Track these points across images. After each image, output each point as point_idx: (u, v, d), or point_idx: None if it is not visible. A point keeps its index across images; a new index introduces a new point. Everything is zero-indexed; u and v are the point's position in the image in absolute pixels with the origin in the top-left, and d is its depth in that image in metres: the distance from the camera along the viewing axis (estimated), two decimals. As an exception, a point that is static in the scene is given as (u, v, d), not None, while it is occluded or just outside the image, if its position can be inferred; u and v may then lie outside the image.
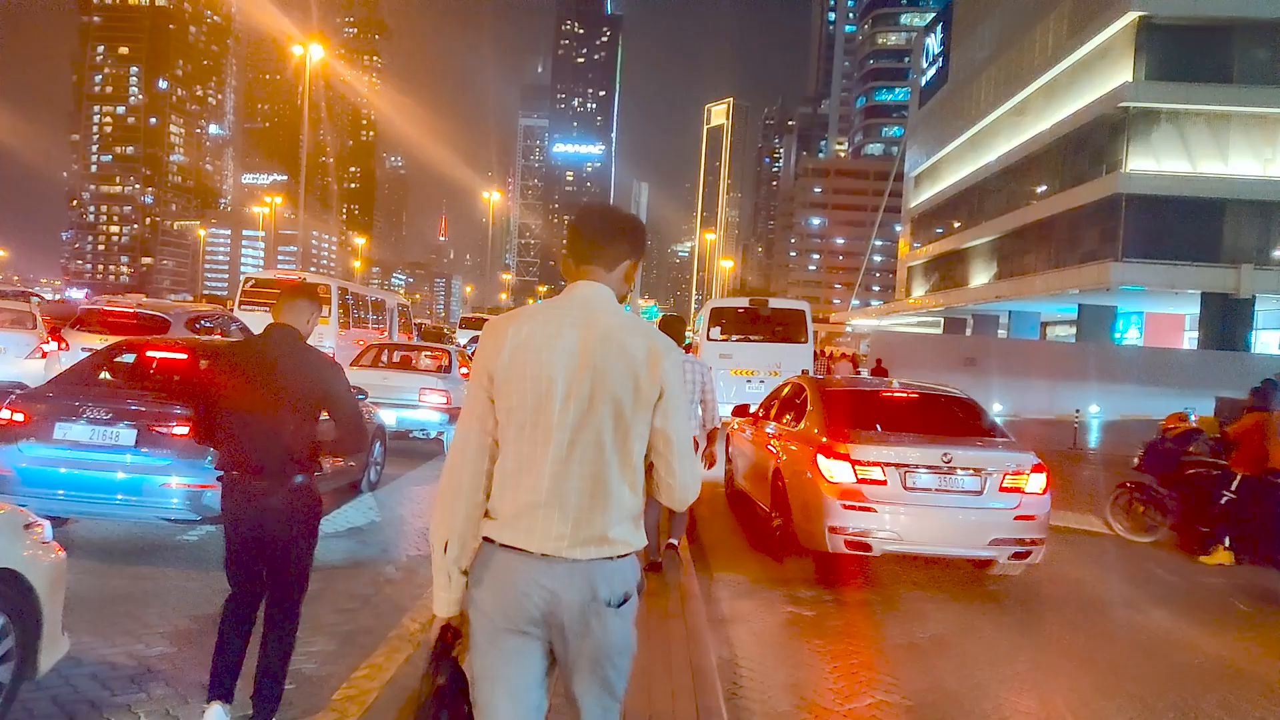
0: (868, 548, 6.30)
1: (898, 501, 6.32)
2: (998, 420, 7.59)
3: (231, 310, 17.77)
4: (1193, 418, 9.77)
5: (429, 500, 8.87)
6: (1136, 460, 9.49)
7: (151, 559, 6.05)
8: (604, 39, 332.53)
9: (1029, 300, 42.99)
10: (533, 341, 2.08)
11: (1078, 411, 21.01)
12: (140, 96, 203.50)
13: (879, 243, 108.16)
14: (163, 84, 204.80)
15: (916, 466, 6.37)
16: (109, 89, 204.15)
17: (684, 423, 2.18)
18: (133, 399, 5.82)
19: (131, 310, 12.35)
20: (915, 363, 25.83)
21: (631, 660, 2.15)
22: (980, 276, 50.71)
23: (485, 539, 2.12)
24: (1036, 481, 6.54)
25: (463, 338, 32.96)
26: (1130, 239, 34.73)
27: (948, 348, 31.99)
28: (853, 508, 6.28)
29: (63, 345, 11.20)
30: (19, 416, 5.62)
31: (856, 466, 6.36)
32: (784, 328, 17.22)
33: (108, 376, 6.47)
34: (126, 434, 5.54)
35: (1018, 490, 6.47)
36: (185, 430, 5.59)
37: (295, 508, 3.49)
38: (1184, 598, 7.44)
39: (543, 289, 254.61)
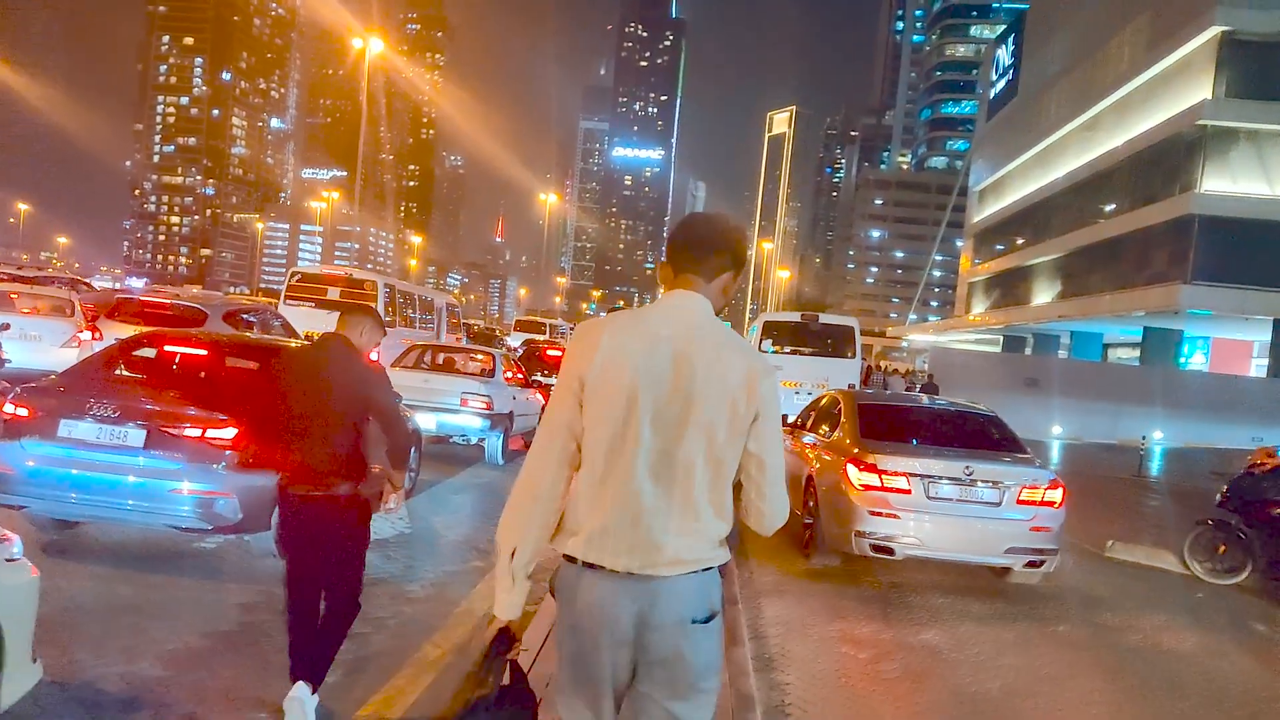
0: (891, 551, 6.83)
1: (921, 510, 6.81)
2: (1020, 438, 7.92)
3: (277, 305, 17.73)
4: (1280, 454, 9.04)
5: (466, 510, 8.55)
6: (1220, 496, 8.84)
7: (165, 567, 5.79)
8: (667, 43, 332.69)
9: (1092, 321, 41.68)
10: (626, 352, 2.02)
11: (1144, 438, 20.11)
12: (204, 88, 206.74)
13: (939, 258, 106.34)
14: (226, 76, 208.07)
15: (940, 478, 6.88)
16: (173, 79, 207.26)
17: (778, 447, 2.12)
18: (145, 396, 5.57)
19: (168, 301, 12.23)
20: (975, 381, 25.05)
21: (719, 677, 2.11)
22: (1043, 295, 49.36)
23: (565, 557, 2.09)
24: (1052, 496, 7.02)
25: (515, 340, 32.81)
26: (1200, 261, 33.42)
27: (1009, 367, 31.01)
28: (878, 514, 6.80)
29: (97, 335, 11.09)
30: (23, 411, 5.32)
31: (884, 476, 6.87)
32: (834, 342, 17.68)
33: (124, 372, 6.21)
34: (135, 434, 5.26)
35: (1034, 503, 6.95)
36: (198, 432, 5.33)
37: (343, 512, 3.63)
38: (1275, 648, 6.86)
39: (597, 293, 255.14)
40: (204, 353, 6.35)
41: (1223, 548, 8.48)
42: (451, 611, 5.42)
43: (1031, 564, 6.98)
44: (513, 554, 2.10)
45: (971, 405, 8.75)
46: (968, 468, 6.92)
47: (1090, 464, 20.62)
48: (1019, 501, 6.94)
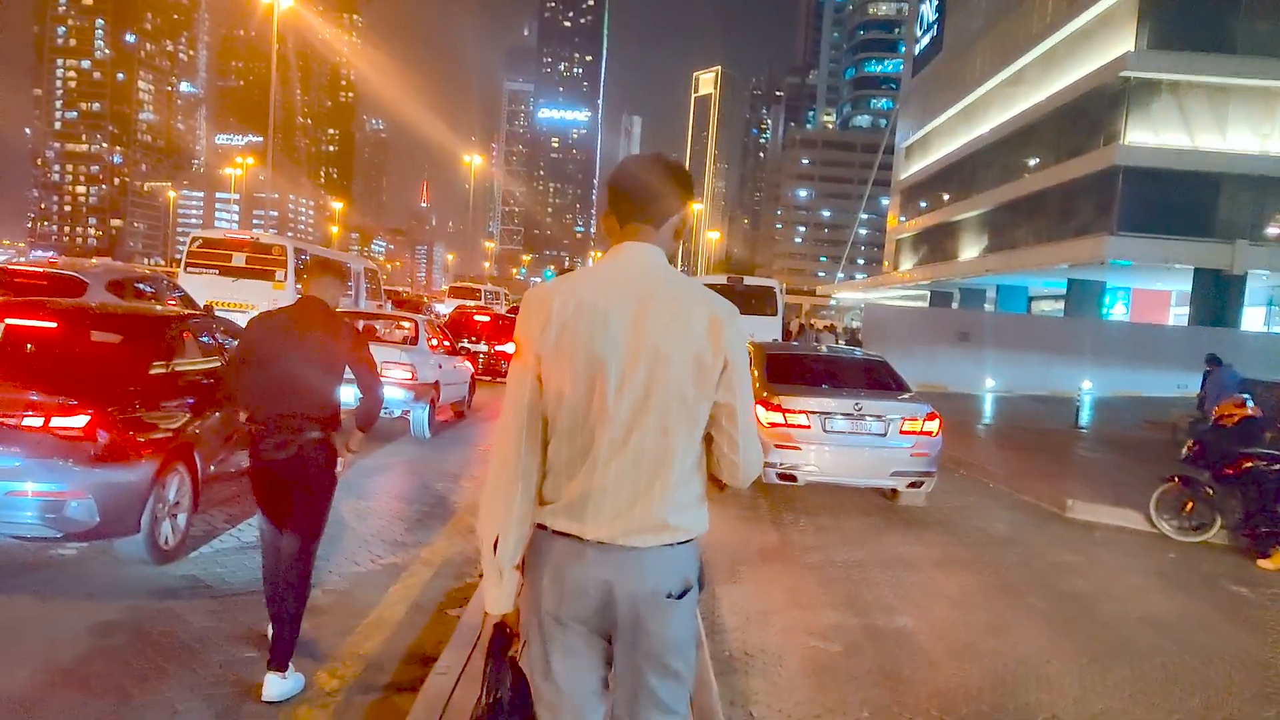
0: (794, 479, 7.95)
1: (818, 442, 7.92)
2: (904, 379, 9.16)
3: (175, 273, 16.44)
4: (1250, 404, 8.72)
5: (381, 495, 7.70)
6: (1186, 450, 8.52)
7: (15, 581, 4.85)
8: (590, 2, 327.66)
9: (1017, 274, 42.00)
10: (581, 317, 1.91)
11: (1082, 387, 20.21)
12: (106, 50, 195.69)
13: (865, 216, 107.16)
14: (130, 38, 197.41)
15: (834, 413, 8.02)
16: (73, 41, 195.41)
17: (748, 394, 2.02)
18: (-21, 381, 4.62)
19: (41, 270, 10.96)
20: (907, 336, 24.84)
21: (696, 651, 2.02)
22: (970, 250, 49.71)
23: (538, 525, 1.99)
24: (929, 426, 8.17)
25: (446, 307, 31.64)
26: (1125, 213, 33.71)
27: (941, 321, 30.81)
28: (783, 446, 7.85)
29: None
30: None
31: (786, 414, 7.91)
32: (757, 301, 19.57)
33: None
34: (-43, 428, 4.34)
35: (914, 433, 8.11)
36: (40, 421, 4.42)
37: (313, 457, 3.75)
38: (1253, 608, 6.49)
39: (527, 257, 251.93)
40: (53, 325, 5.39)
41: (1189, 504, 8.14)
42: (357, 624, 4.63)
43: (913, 484, 8.25)
44: (495, 544, 1.97)
45: (866, 352, 10.85)
46: (858, 404, 8.07)
47: (1027, 417, 20.59)
48: (901, 432, 8.08)
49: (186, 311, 6.66)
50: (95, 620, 4.31)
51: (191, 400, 5.50)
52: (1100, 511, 8.94)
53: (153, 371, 5.35)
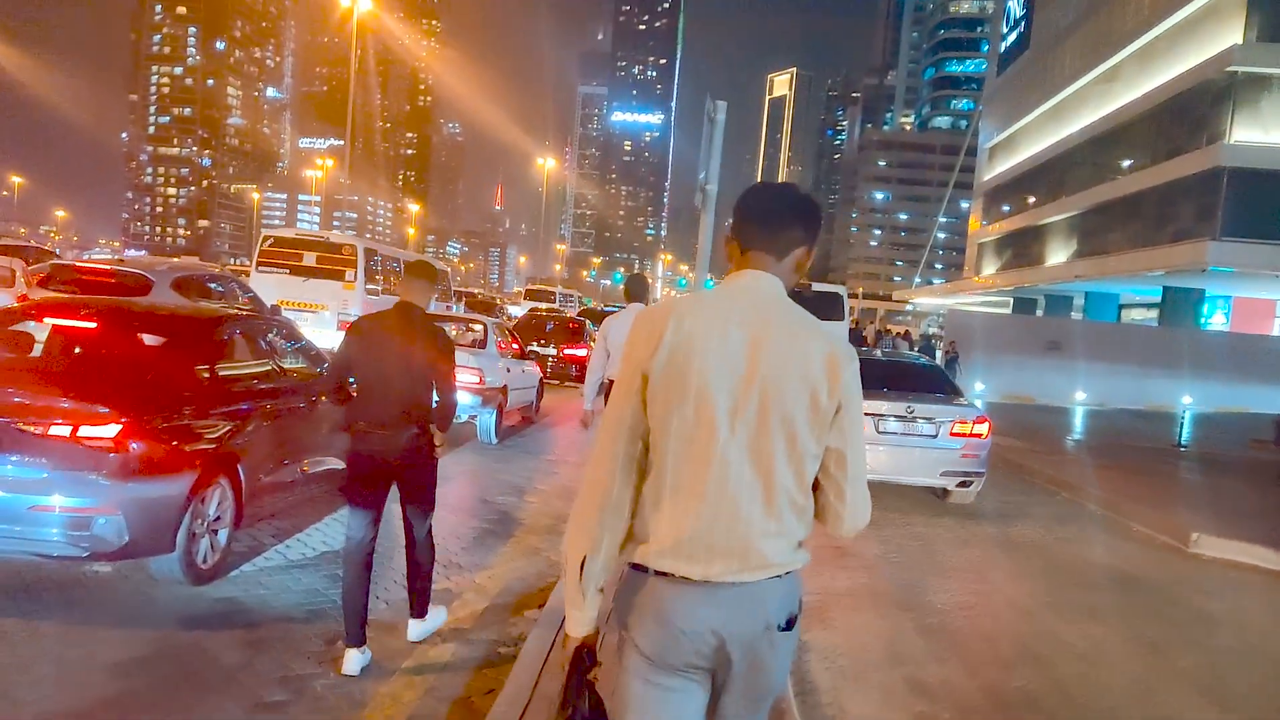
0: None
1: (872, 442, 8.09)
2: (955, 383, 10.14)
3: (248, 271, 16.34)
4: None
5: (443, 507, 7.21)
6: None
7: (30, 605, 4.42)
8: (666, 5, 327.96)
9: (1107, 281, 40.01)
10: (695, 341, 1.83)
11: (1183, 402, 18.93)
12: (198, 57, 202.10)
13: (944, 219, 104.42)
14: (220, 45, 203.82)
15: (887, 415, 8.42)
16: (167, 49, 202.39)
17: (860, 441, 1.95)
18: (7, 383, 4.27)
19: (107, 267, 10.84)
20: (993, 344, 23.68)
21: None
22: (1058, 255, 47.75)
23: (635, 566, 1.90)
24: (979, 429, 8.65)
25: (520, 310, 31.45)
26: (1229, 216, 31.78)
27: (1028, 329, 29.23)
28: None
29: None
30: None
31: None
32: (825, 307, 18.86)
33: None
34: (-19, 434, 3.96)
35: (964, 435, 8.60)
36: (67, 430, 4.04)
37: (415, 449, 4.11)
38: None
39: (597, 260, 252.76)
40: (93, 325, 5.03)
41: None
42: (396, 668, 4.14)
43: (962, 484, 8.80)
44: (582, 565, 1.88)
45: (918, 357, 11.70)
46: (909, 407, 8.51)
47: (1124, 433, 19.32)
48: (951, 434, 8.57)
49: (239, 311, 6.29)
50: (117, 657, 3.90)
51: (242, 406, 5.10)
52: (1229, 548, 7.96)
53: (198, 376, 4.96)
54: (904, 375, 9.65)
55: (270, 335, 6.14)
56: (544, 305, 33.35)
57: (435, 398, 4.21)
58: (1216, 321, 40.71)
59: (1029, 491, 10.98)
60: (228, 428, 4.86)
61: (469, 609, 4.97)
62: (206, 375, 5.02)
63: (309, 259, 16.68)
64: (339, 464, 6.13)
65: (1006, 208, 57.47)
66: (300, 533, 5.94)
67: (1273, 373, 25.01)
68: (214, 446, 4.75)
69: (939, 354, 27.48)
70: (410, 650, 4.29)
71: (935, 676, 4.64)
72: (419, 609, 4.35)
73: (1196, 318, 38.60)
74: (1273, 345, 30.94)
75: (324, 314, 16.41)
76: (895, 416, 8.41)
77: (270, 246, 16.85)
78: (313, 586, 5.00)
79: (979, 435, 8.59)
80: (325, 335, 16.37)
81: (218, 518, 4.83)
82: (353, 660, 3.94)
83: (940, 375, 10.06)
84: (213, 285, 12.50)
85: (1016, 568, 7.16)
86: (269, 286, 16.20)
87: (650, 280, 7.38)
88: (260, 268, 16.64)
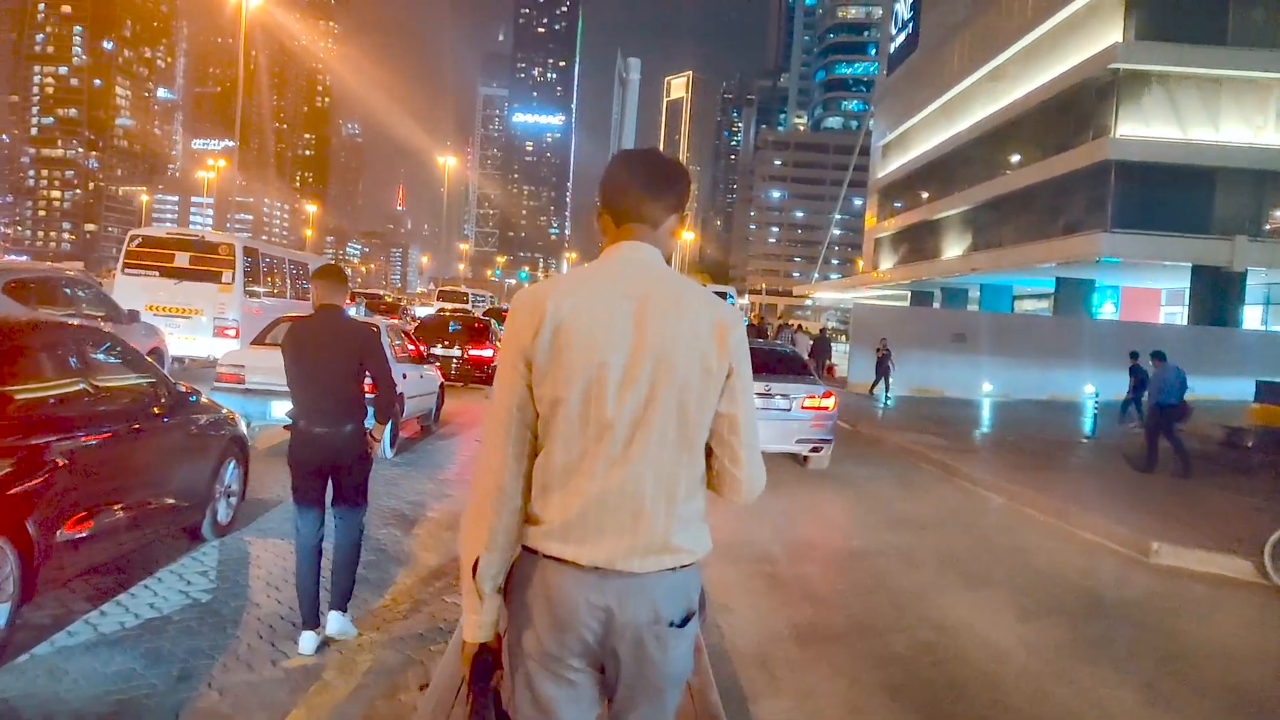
0: None
1: None
2: (809, 365, 12.19)
3: (113, 274, 14.89)
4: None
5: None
6: None
7: None
8: (565, 8, 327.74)
9: (1002, 274, 40.89)
10: (579, 317, 1.77)
11: (1086, 392, 19.19)
12: (84, 57, 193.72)
13: (839, 217, 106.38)
14: (108, 45, 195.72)
15: None
16: (50, 49, 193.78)
17: (752, 404, 1.92)
18: None
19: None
20: (899, 338, 23.55)
21: (696, 658, 1.94)
22: (954, 248, 48.67)
23: (526, 548, 1.83)
24: (825, 404, 10.38)
25: (430, 311, 30.29)
26: (1119, 208, 32.71)
27: (935, 322, 29.30)
28: None
29: None
30: None
31: None
32: None
33: None
34: None
35: (813, 409, 10.27)
36: None
37: (350, 444, 4.40)
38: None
39: (502, 259, 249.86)
40: None
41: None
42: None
43: (814, 449, 10.55)
44: (475, 565, 1.82)
45: (781, 346, 13.35)
46: (766, 386, 9.91)
47: (1035, 425, 19.34)
48: (803, 407, 10.17)
49: (45, 319, 5.19)
50: None
51: (31, 441, 4.06)
52: (1189, 557, 7.44)
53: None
54: (768, 360, 11.19)
55: (89, 347, 5.07)
56: (452, 306, 32.68)
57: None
58: (1106, 311, 42.05)
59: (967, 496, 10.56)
60: (4, 471, 3.83)
61: (332, 696, 3.93)
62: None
63: (181, 260, 15.38)
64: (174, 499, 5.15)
65: (901, 204, 58.50)
66: (125, 592, 4.84)
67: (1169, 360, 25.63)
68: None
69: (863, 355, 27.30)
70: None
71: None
72: (340, 603, 4.47)
73: (1088, 308, 39.74)
74: (1166, 334, 31.85)
75: (199, 319, 15.15)
76: (756, 394, 8.98)
77: (138, 246, 15.45)
78: (127, 668, 3.93)
79: (826, 408, 10.44)
80: (201, 343, 15.11)
81: (-6, 593, 3.78)
82: (307, 641, 4.25)
83: (797, 360, 11.95)
84: (66, 290, 11.16)
85: (970, 588, 6.61)
86: (136, 290, 14.88)
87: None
88: (127, 270, 15.26)
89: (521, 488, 1.82)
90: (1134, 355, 18.73)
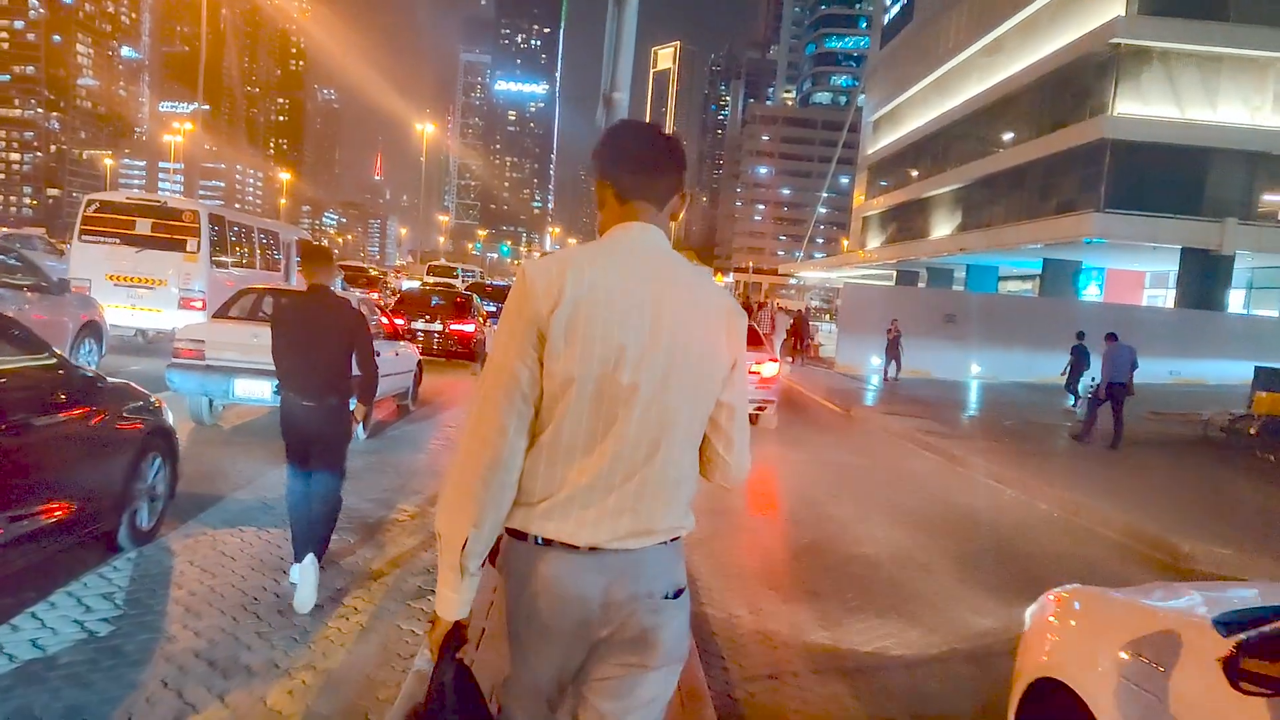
0: None
1: None
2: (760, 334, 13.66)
3: (69, 241, 13.99)
4: None
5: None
6: None
7: None
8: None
9: (989, 254, 40.44)
10: (599, 294, 1.71)
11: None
12: (41, 10, 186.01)
13: (826, 195, 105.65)
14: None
15: None
16: (4, 1, 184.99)
17: (745, 394, 1.92)
18: None
19: None
20: (889, 318, 23.01)
21: (683, 662, 1.84)
22: (943, 228, 48.13)
23: (514, 532, 1.77)
24: (769, 369, 12.06)
25: (411, 285, 29.53)
26: (1113, 188, 32.22)
27: (925, 303, 28.61)
28: None
29: None
30: None
31: None
32: None
33: None
34: None
35: (759, 374, 11.81)
36: None
37: (332, 418, 4.67)
38: None
39: (483, 232, 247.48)
40: None
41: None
42: None
43: (760, 408, 11.93)
44: (464, 543, 1.72)
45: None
46: None
47: (1027, 409, 18.84)
48: (750, 372, 10.51)
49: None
50: None
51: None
52: (1225, 560, 6.85)
53: None
54: None
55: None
56: (437, 279, 31.98)
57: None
58: (1091, 293, 41.70)
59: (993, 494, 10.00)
60: None
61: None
62: None
63: (143, 227, 14.50)
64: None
65: (890, 181, 57.90)
66: (3, 624, 3.98)
67: (1154, 344, 25.23)
68: None
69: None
70: None
71: None
72: (317, 549, 4.65)
73: (1074, 289, 39.36)
74: (1153, 316, 31.52)
75: (163, 290, 14.31)
76: None
77: (95, 212, 14.55)
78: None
79: (771, 377, 11.96)
80: (166, 315, 14.26)
81: None
82: (296, 573, 4.55)
83: (754, 333, 12.86)
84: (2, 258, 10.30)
85: (995, 599, 5.99)
86: (95, 258, 14.07)
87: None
88: (84, 236, 14.37)
89: (519, 464, 1.72)
90: (1080, 335, 19.14)
